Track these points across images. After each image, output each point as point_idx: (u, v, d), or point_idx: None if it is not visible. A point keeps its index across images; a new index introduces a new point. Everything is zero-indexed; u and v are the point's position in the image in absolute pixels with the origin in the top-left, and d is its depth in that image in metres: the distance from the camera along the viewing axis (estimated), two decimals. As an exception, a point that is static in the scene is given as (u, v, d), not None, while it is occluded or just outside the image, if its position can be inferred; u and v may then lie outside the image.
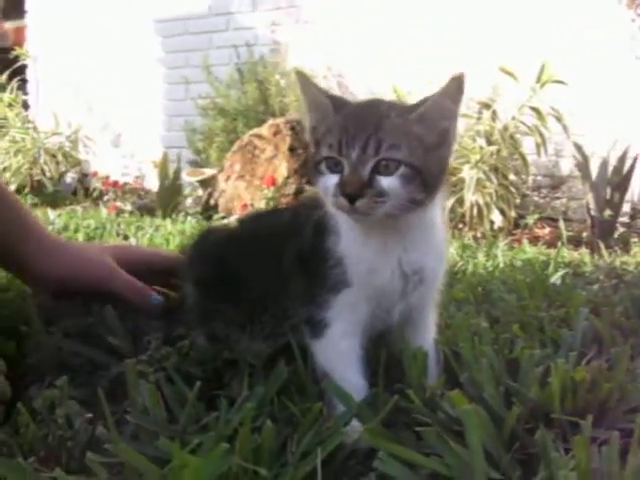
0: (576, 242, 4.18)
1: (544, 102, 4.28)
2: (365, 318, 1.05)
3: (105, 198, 6.23)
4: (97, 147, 7.25)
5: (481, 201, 4.22)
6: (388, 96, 3.85)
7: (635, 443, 0.79)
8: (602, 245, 3.51)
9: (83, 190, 6.75)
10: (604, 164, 4.32)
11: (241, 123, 5.90)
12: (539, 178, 5.11)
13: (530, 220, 4.61)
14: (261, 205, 4.65)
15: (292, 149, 5.02)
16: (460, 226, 4.31)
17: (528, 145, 4.47)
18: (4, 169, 6.64)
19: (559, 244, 3.49)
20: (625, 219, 4.59)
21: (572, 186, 5.04)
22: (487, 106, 4.39)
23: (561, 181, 5.10)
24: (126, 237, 3.17)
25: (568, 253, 3.28)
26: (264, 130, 5.16)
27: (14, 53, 7.54)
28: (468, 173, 4.23)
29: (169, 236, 3.07)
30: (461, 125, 4.37)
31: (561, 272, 2.15)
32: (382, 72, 5.04)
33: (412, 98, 1.02)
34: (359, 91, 5.30)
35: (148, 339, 1.19)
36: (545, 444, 0.82)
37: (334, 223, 1.04)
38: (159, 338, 1.22)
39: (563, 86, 4.19)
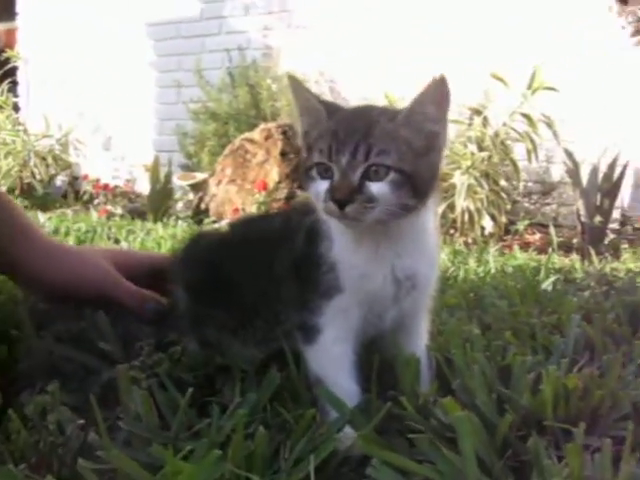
0: (566, 248, 4.20)
1: (535, 108, 4.31)
2: (358, 324, 1.05)
3: (95, 201, 6.21)
4: (88, 150, 7.23)
5: (472, 207, 4.23)
6: (380, 101, 3.86)
7: (627, 450, 0.79)
8: (592, 251, 3.53)
9: (73, 193, 6.73)
10: (594, 171, 4.34)
11: (232, 127, 5.90)
12: (530, 184, 5.13)
13: (521, 226, 4.63)
14: (252, 210, 4.65)
15: (283, 154, 5.02)
16: (451, 232, 4.32)
17: (519, 151, 4.49)
18: (-6, 172, 6.62)
19: (550, 250, 3.50)
20: (615, 226, 4.62)
21: (562, 192, 5.07)
22: (478, 112, 4.41)
23: (552, 187, 5.12)
24: (117, 241, 3.15)
25: (559, 259, 3.29)
26: (256, 134, 5.16)
27: (5, 55, 7.51)
28: (459, 179, 4.24)
29: (160, 240, 3.06)
30: (452, 131, 4.38)
31: (552, 278, 2.16)
32: (374, 77, 5.05)
33: (404, 103, 1.03)
34: (351, 96, 5.31)
35: (140, 345, 1.19)
36: (538, 451, 0.82)
37: (326, 229, 1.04)
38: (151, 344, 1.21)
39: (554, 93, 4.21)
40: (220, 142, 5.86)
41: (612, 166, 4.32)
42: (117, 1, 6.95)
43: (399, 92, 4.43)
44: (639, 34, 4.59)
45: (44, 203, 6.14)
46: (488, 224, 4.28)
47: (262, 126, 5.24)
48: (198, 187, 5.54)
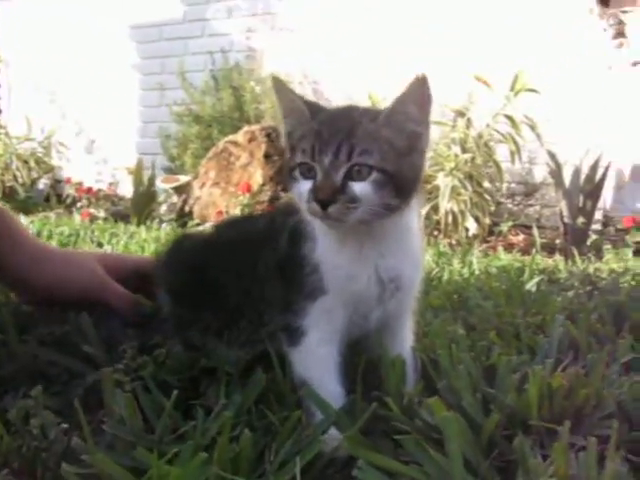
0: (549, 249, 4.23)
1: (518, 110, 4.33)
2: (342, 325, 1.05)
3: (78, 205, 6.17)
4: (70, 153, 7.18)
5: (456, 208, 4.25)
6: (364, 102, 3.87)
7: (612, 449, 0.80)
8: (575, 252, 3.55)
9: (56, 196, 6.68)
10: (577, 172, 4.38)
11: (216, 130, 5.89)
12: (513, 185, 5.16)
13: (504, 227, 4.65)
14: (236, 212, 4.64)
15: (267, 156, 5.01)
16: (435, 233, 4.33)
17: (502, 153, 4.51)
18: (-25, 175, 6.57)
19: (533, 251, 3.52)
20: (597, 226, 4.65)
21: (545, 194, 5.10)
22: (462, 114, 4.43)
23: (534, 189, 5.15)
24: (100, 244, 3.13)
25: (542, 260, 3.31)
26: (239, 137, 5.15)
27: (-15, 58, 7.46)
28: (443, 180, 4.26)
29: (144, 243, 3.05)
30: (436, 133, 4.40)
31: (536, 279, 2.17)
32: (357, 78, 5.06)
33: (387, 104, 1.03)
34: (335, 97, 5.31)
35: (124, 348, 1.18)
36: (523, 451, 0.82)
37: (310, 229, 1.04)
38: (134, 347, 1.20)
39: (536, 95, 4.24)
40: (204, 145, 5.85)
41: (594, 167, 4.35)
42: (100, 3, 6.91)
43: (382, 93, 4.45)
44: (620, 36, 4.63)
45: (26, 207, 6.09)
46: (472, 226, 4.30)
47: (246, 128, 5.23)
48: (182, 190, 5.52)
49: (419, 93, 0.95)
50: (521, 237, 4.67)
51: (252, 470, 0.85)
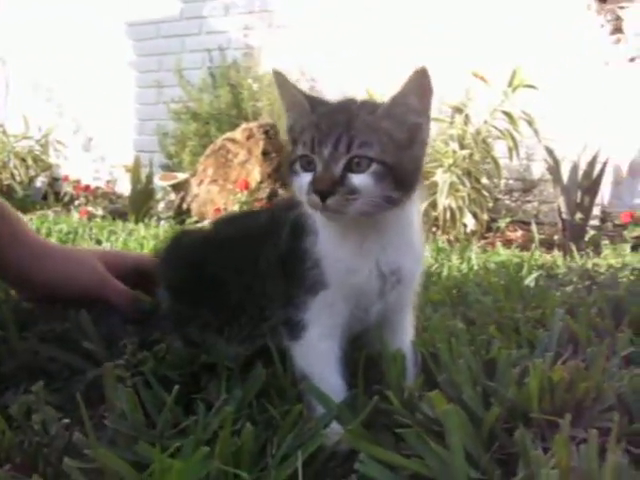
0: (548, 245, 4.23)
1: (516, 106, 4.34)
2: (343, 319, 1.05)
3: (76, 203, 6.17)
4: (68, 151, 7.17)
5: (454, 205, 4.25)
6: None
7: (612, 441, 0.80)
8: (574, 248, 3.55)
9: (53, 194, 6.67)
10: (575, 168, 4.38)
11: (214, 127, 5.88)
12: (511, 182, 5.16)
13: (502, 223, 4.65)
14: (234, 209, 4.63)
15: (265, 153, 5.01)
16: (433, 230, 4.33)
17: (500, 149, 4.51)
18: (-27, 173, 6.56)
19: (532, 247, 3.52)
20: (595, 222, 4.66)
21: (543, 190, 5.10)
22: (459, 110, 4.43)
23: (532, 185, 5.15)
24: (99, 242, 3.13)
25: (540, 256, 3.31)
26: (237, 134, 5.15)
27: (-18, 56, 7.44)
28: (441, 177, 4.26)
29: (143, 240, 3.04)
30: (434, 129, 4.40)
31: (535, 274, 2.17)
32: (355, 75, 5.06)
33: (386, 99, 1.04)
34: (332, 95, 5.27)
35: (124, 343, 1.18)
36: (525, 443, 0.82)
37: (311, 223, 1.03)
38: (135, 342, 1.20)
39: (534, 90, 4.24)
40: (201, 142, 5.84)
41: (592, 163, 4.36)
42: (96, 1, 6.90)
43: (380, 90, 4.45)
44: (618, 32, 4.64)
45: (24, 205, 6.08)
46: (470, 222, 4.30)
47: (244, 126, 5.23)
48: (179, 187, 5.52)
49: (419, 85, 0.95)
50: (519, 233, 4.67)
51: (254, 464, 0.85)
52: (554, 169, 4.43)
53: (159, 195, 5.75)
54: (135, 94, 6.98)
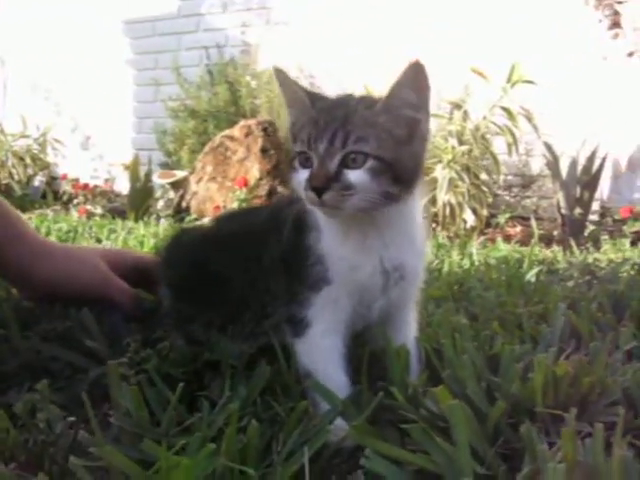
0: (547, 240, 4.23)
1: (514, 102, 4.33)
2: (347, 315, 1.05)
3: (75, 201, 6.16)
4: (66, 150, 7.16)
5: (453, 201, 4.25)
6: (360, 96, 3.86)
7: (618, 435, 0.80)
8: (573, 243, 3.55)
9: (52, 193, 6.67)
10: (574, 163, 4.38)
11: (212, 125, 5.88)
12: (510, 177, 5.16)
13: (501, 219, 4.66)
14: (233, 207, 4.63)
15: (264, 150, 5.00)
16: (433, 226, 4.33)
17: (499, 145, 4.51)
18: (-29, 173, 6.55)
19: (532, 242, 3.52)
20: (595, 217, 4.66)
21: (542, 185, 5.11)
22: (458, 106, 4.43)
23: (531, 180, 5.16)
24: (99, 240, 3.13)
25: (540, 251, 3.31)
26: (236, 131, 5.14)
27: (-21, 56, 7.43)
28: (440, 173, 4.26)
29: (143, 238, 3.04)
30: (433, 125, 4.38)
31: (535, 269, 2.17)
32: (353, 72, 5.05)
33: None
34: (331, 92, 5.29)
35: (127, 341, 1.18)
36: (531, 438, 0.82)
37: (314, 220, 1.03)
38: (138, 340, 1.20)
39: (533, 86, 4.24)
40: (200, 140, 5.84)
41: (591, 158, 4.36)
42: (93, -1, 6.90)
43: (378, 86, 4.44)
44: (616, 27, 4.63)
45: (22, 204, 6.07)
46: (469, 217, 4.30)
47: (242, 123, 5.22)
48: (178, 185, 5.51)
49: (415, 79, 0.95)
50: (518, 229, 4.67)
51: (260, 460, 0.85)
52: (553, 164, 4.44)
53: (158, 193, 5.75)
54: (133, 92, 6.97)
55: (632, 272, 2.27)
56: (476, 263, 2.54)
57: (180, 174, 5.60)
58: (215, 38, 6.25)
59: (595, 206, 4.63)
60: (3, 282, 1.53)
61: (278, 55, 5.68)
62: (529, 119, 4.35)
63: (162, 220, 4.53)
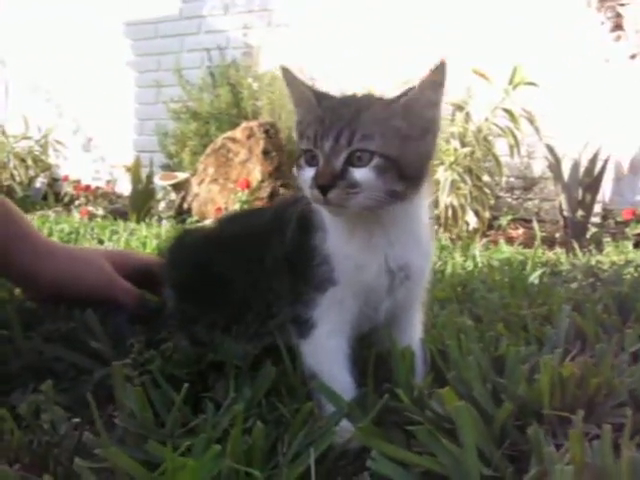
0: (549, 242, 4.23)
1: (516, 104, 4.32)
2: (352, 316, 1.04)
3: (76, 203, 6.16)
4: (68, 151, 7.16)
5: (456, 203, 4.24)
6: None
7: (626, 436, 0.80)
8: (576, 245, 3.55)
9: (53, 195, 6.66)
10: (576, 165, 4.38)
11: (213, 126, 5.88)
12: (512, 179, 5.16)
13: (503, 221, 4.65)
14: (235, 208, 4.62)
15: (266, 152, 5.00)
16: (435, 227, 4.32)
17: (501, 147, 4.50)
18: (-27, 174, 6.55)
19: (535, 244, 3.52)
20: (597, 219, 4.65)
21: (544, 187, 5.10)
22: (460, 108, 4.42)
23: (533, 182, 5.15)
24: (101, 241, 3.13)
25: (543, 253, 3.30)
26: (238, 133, 5.14)
27: (-19, 57, 7.43)
28: (443, 175, 4.25)
29: (145, 240, 3.04)
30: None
31: (539, 271, 2.17)
32: (355, 74, 5.05)
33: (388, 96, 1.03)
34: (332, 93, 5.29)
35: (132, 342, 1.18)
36: (538, 440, 0.81)
37: (319, 219, 1.03)
38: (141, 341, 1.20)
39: (535, 88, 4.23)
40: (201, 141, 5.84)
41: (593, 160, 4.35)
42: (95, 1, 6.89)
43: (380, 88, 4.45)
44: (618, 29, 4.63)
45: (24, 205, 6.05)
46: (472, 220, 4.30)
47: (244, 125, 5.22)
48: (180, 187, 5.51)
49: (439, 79, 0.95)
50: (520, 231, 4.67)
51: (265, 462, 0.85)
52: (555, 166, 4.43)
53: (160, 195, 5.75)
54: (134, 94, 6.97)
55: (635, 274, 2.27)
56: (479, 265, 2.53)
57: (182, 176, 5.60)
58: (217, 40, 6.25)
59: (597, 208, 4.62)
60: (6, 283, 1.53)
61: (279, 57, 5.67)
62: (531, 121, 4.34)
63: (164, 222, 4.52)
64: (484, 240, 4.06)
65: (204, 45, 6.27)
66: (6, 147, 6.76)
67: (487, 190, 4.42)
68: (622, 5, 4.63)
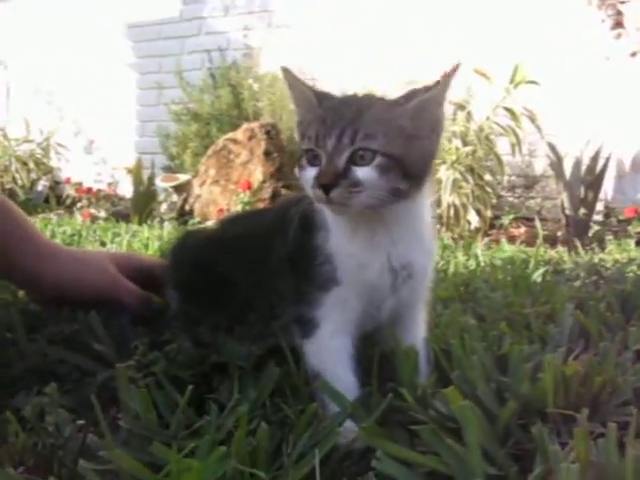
0: (551, 241, 4.22)
1: (518, 103, 4.32)
2: (356, 315, 1.04)
3: (78, 205, 6.17)
4: (69, 154, 7.17)
5: (457, 202, 4.24)
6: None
7: (631, 435, 0.79)
8: (578, 243, 3.55)
9: (55, 198, 6.67)
10: (577, 164, 4.37)
11: (215, 128, 5.88)
12: (513, 178, 5.15)
13: (505, 220, 4.65)
14: (237, 210, 4.63)
15: (267, 153, 5.00)
16: (437, 227, 4.32)
17: (502, 145, 4.50)
18: (-25, 178, 6.56)
19: (538, 242, 3.51)
20: (599, 217, 4.65)
21: (546, 186, 5.09)
22: (462, 107, 4.42)
23: (535, 181, 5.14)
24: (103, 243, 3.13)
25: (546, 251, 3.30)
26: (239, 134, 5.15)
27: (-17, 60, 7.44)
28: (444, 174, 4.25)
29: (147, 241, 3.04)
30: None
31: (541, 270, 2.16)
32: (355, 75, 5.05)
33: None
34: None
35: (135, 344, 1.18)
36: (542, 438, 0.81)
37: (322, 218, 1.03)
38: (145, 343, 1.20)
39: (536, 87, 4.23)
40: (203, 143, 5.84)
41: (595, 158, 4.35)
42: (96, 3, 6.90)
43: (381, 89, 4.44)
44: (619, 27, 4.62)
45: (26, 208, 6.03)
46: (474, 218, 4.29)
47: (245, 126, 5.22)
48: (181, 188, 5.51)
49: (451, 82, 0.95)
50: (522, 229, 4.66)
51: (270, 463, 0.85)
52: (557, 165, 4.42)
53: (161, 197, 5.75)
54: (136, 96, 6.98)
55: (638, 272, 2.26)
56: (482, 264, 2.53)
57: (183, 177, 5.61)
58: (217, 41, 6.25)
59: (599, 206, 4.61)
60: (9, 285, 1.53)
61: (280, 58, 5.67)
62: (532, 119, 4.34)
63: (166, 223, 4.52)
64: (486, 239, 4.05)
65: (205, 47, 6.28)
66: (8, 150, 6.77)
67: (489, 189, 4.42)
68: (622, 3, 4.62)
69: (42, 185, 7.09)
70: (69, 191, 6.63)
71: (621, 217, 4.59)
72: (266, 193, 4.87)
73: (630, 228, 4.33)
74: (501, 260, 2.66)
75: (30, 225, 1.49)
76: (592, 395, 0.96)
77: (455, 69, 0.94)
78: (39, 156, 6.99)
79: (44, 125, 7.00)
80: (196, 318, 1.26)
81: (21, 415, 0.95)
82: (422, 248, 1.05)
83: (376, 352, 1.06)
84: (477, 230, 4.29)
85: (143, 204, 5.22)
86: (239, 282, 1.19)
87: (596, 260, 2.78)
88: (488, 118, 4.39)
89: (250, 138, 5.07)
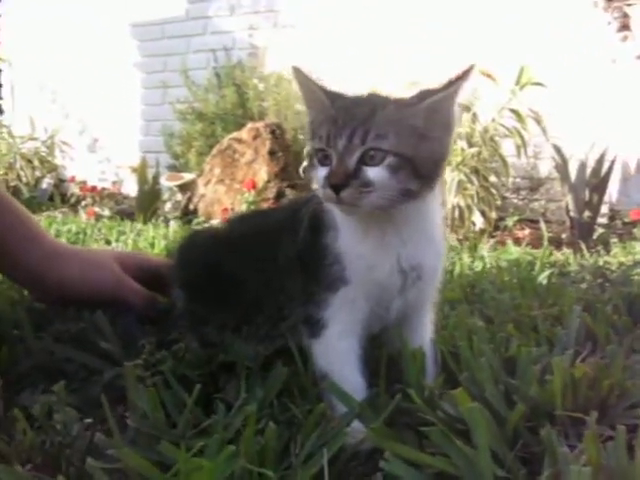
0: (556, 243, 4.21)
1: (523, 104, 4.31)
2: (364, 315, 1.04)
3: (83, 203, 6.17)
4: (74, 152, 7.18)
5: (462, 203, 4.23)
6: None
7: (640, 438, 0.79)
8: (583, 246, 3.54)
9: (59, 196, 6.67)
10: (582, 166, 4.36)
11: (219, 127, 5.88)
12: (518, 180, 5.15)
13: (510, 222, 4.64)
14: (242, 209, 4.62)
15: (272, 153, 5.00)
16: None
17: (507, 147, 4.49)
18: (-21, 175, 6.56)
19: (544, 244, 3.51)
20: (604, 220, 4.64)
21: (551, 188, 5.09)
22: (467, 108, 4.40)
23: (540, 183, 5.14)
24: (108, 242, 3.13)
25: (551, 253, 3.29)
26: (244, 134, 5.14)
27: (-12, 58, 7.45)
28: (449, 175, 4.24)
29: (153, 240, 3.04)
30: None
31: (547, 272, 2.16)
32: (361, 75, 5.04)
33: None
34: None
35: (143, 343, 1.17)
36: (551, 441, 0.81)
37: (331, 218, 1.03)
38: (152, 342, 1.20)
39: (542, 88, 4.22)
40: (207, 142, 5.84)
41: (600, 161, 4.33)
42: (101, 2, 6.90)
43: (386, 89, 4.44)
44: (625, 29, 4.62)
45: (30, 206, 6.05)
46: (478, 220, 4.28)
47: (250, 125, 5.22)
48: (186, 188, 5.51)
49: (462, 84, 0.95)
50: (527, 231, 4.65)
51: (278, 463, 0.85)
52: (562, 167, 4.41)
53: (166, 195, 5.74)
54: (141, 95, 6.98)
55: (644, 275, 2.26)
56: (488, 266, 2.53)
57: (188, 176, 5.60)
58: (223, 41, 6.25)
59: (604, 209, 4.60)
60: (15, 284, 1.53)
61: (285, 58, 5.68)
62: (538, 121, 4.32)
63: (171, 222, 4.52)
64: (491, 241, 4.04)
65: (210, 46, 6.28)
66: (13, 148, 6.77)
67: (494, 191, 4.41)
68: (629, 5, 4.61)
69: (47, 183, 7.09)
70: (73, 189, 6.63)
71: (626, 220, 4.58)
72: (271, 193, 4.87)
73: (635, 231, 4.32)
74: (507, 262, 2.65)
75: (34, 224, 1.48)
76: (600, 398, 0.96)
77: (469, 71, 0.94)
78: (44, 154, 6.99)
79: (49, 123, 7.01)
80: (202, 318, 1.25)
81: (29, 413, 0.94)
82: (432, 249, 1.05)
83: (383, 353, 1.06)
84: (482, 232, 4.28)
85: (148, 203, 5.22)
86: (246, 282, 1.19)
87: (601, 263, 2.77)
88: (493, 120, 4.38)
89: (255, 137, 5.07)
